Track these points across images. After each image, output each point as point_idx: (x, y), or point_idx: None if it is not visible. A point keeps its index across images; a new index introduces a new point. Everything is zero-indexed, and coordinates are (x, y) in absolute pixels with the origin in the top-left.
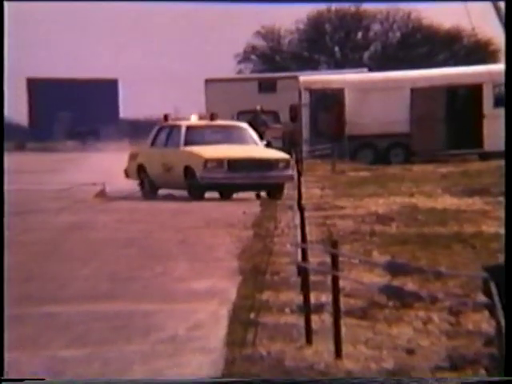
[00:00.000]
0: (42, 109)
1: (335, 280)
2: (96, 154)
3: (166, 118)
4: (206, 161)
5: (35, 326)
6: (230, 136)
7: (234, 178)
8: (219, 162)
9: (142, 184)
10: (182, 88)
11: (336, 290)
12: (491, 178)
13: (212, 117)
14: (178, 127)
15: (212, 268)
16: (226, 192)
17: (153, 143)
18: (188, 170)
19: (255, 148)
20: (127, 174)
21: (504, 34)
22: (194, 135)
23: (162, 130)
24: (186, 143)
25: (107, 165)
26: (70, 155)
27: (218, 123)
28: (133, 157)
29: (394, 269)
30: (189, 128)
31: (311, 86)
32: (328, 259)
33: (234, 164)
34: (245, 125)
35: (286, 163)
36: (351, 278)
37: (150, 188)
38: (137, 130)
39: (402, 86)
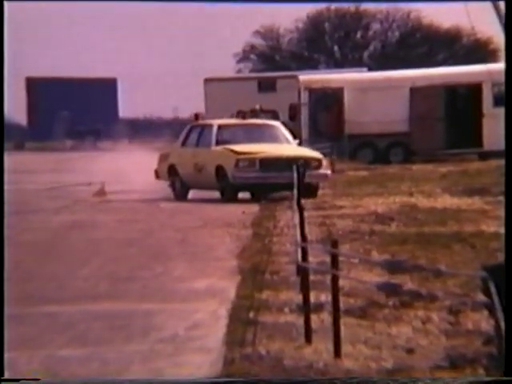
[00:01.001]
0: (42, 108)
1: (335, 279)
2: (98, 154)
3: (196, 117)
4: (238, 160)
5: (35, 326)
6: (262, 135)
7: (266, 178)
8: (251, 161)
9: (173, 185)
10: (182, 87)
11: (335, 290)
12: (491, 177)
13: (244, 115)
14: (210, 126)
15: (211, 267)
16: (258, 192)
17: (184, 143)
18: (220, 170)
19: (288, 147)
20: (158, 175)
21: (503, 33)
22: (226, 134)
23: (193, 130)
24: (218, 142)
25: (107, 165)
26: (70, 155)
27: (249, 122)
28: (163, 157)
29: (392, 266)
30: (220, 127)
31: (311, 86)
32: (327, 259)
33: (267, 163)
34: (277, 123)
35: (319, 162)
36: (351, 276)
37: (181, 189)
38: (136, 129)
39: (401, 86)
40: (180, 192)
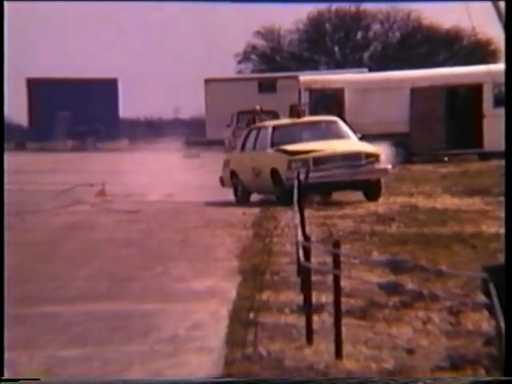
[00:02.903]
0: (42, 109)
1: (337, 280)
2: (99, 154)
3: (254, 120)
4: (290, 161)
5: (35, 326)
6: (319, 132)
7: (322, 177)
8: (304, 161)
9: (236, 192)
10: (182, 88)
11: (337, 290)
12: (491, 178)
13: (299, 114)
14: (265, 128)
15: (212, 268)
16: (315, 193)
17: (243, 148)
18: (274, 173)
19: (343, 142)
20: (223, 182)
21: (504, 33)
22: (282, 135)
23: (251, 133)
24: (273, 144)
25: (108, 166)
26: (71, 155)
27: (305, 120)
28: (226, 163)
29: (393, 266)
30: (275, 128)
31: (311, 86)
32: (328, 259)
33: (321, 162)
34: (335, 118)
35: (376, 157)
36: (353, 275)
37: (242, 194)
38: (136, 129)
39: (401, 86)
40: (241, 197)
